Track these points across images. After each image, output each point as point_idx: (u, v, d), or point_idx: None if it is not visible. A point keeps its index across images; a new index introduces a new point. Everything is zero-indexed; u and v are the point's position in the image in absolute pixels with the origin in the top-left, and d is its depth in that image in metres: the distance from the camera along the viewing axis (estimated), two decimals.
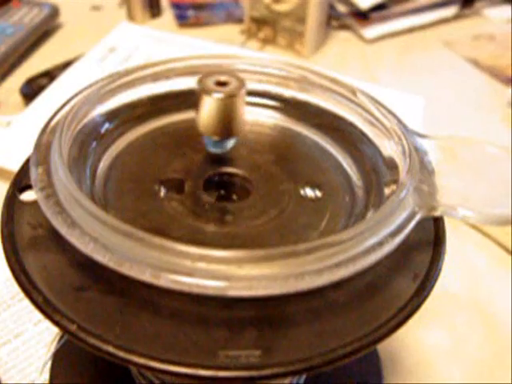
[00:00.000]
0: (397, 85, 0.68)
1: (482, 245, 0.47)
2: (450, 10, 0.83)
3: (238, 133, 0.28)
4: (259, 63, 0.31)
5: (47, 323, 0.21)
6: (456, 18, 0.84)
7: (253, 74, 0.31)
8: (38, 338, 0.37)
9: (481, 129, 0.62)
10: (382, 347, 0.38)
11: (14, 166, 0.28)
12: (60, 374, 0.34)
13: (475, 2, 0.86)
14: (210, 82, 0.27)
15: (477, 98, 0.68)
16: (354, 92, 0.30)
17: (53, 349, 0.35)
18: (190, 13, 0.79)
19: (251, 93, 0.31)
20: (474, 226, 0.48)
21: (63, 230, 0.21)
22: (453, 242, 0.47)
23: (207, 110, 0.27)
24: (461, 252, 0.47)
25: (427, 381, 0.37)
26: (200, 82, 0.27)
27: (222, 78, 0.27)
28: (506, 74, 0.72)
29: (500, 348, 0.39)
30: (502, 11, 0.87)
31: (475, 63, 0.74)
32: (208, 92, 0.26)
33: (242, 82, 0.27)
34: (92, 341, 0.20)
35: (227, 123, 0.27)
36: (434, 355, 0.39)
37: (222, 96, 0.26)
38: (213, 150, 0.29)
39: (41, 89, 0.59)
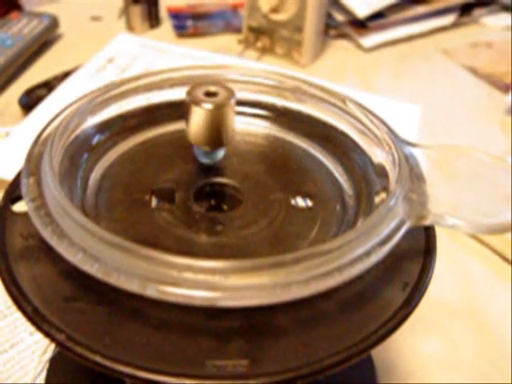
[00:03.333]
0: (395, 93, 0.68)
1: (480, 253, 0.47)
2: (448, 18, 0.84)
3: (228, 143, 0.28)
4: (250, 73, 0.32)
5: None
6: (454, 26, 0.84)
7: (244, 84, 0.32)
8: (34, 347, 0.37)
9: (479, 136, 0.62)
10: (378, 355, 0.37)
11: (12, 177, 0.28)
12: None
13: (473, 10, 0.86)
14: (200, 93, 0.27)
15: (475, 106, 0.68)
16: (343, 101, 0.30)
17: (46, 358, 0.35)
18: (189, 23, 0.80)
19: (243, 103, 0.31)
20: (471, 235, 0.48)
21: (52, 241, 0.22)
22: (450, 250, 0.47)
23: (197, 121, 0.27)
24: (458, 260, 0.47)
25: None
26: (189, 92, 0.27)
27: (212, 89, 0.27)
28: (503, 81, 0.72)
29: (496, 357, 0.39)
30: (500, 19, 0.87)
31: (473, 71, 0.74)
32: (197, 103, 0.27)
33: (231, 92, 0.27)
34: (80, 350, 0.20)
35: (217, 133, 0.27)
36: (430, 364, 0.38)
37: (212, 106, 0.27)
38: (204, 160, 0.29)
39: (39, 99, 0.60)
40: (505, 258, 0.46)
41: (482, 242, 0.48)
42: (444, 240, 0.47)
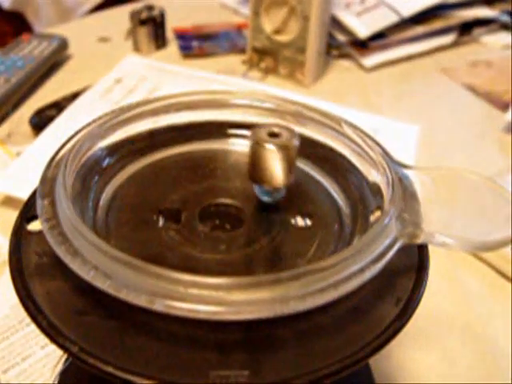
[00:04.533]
0: (395, 112, 0.70)
1: (477, 269, 0.48)
2: (448, 38, 0.85)
3: (288, 182, 0.29)
4: (252, 98, 0.33)
5: (53, 346, 0.23)
6: (454, 45, 0.86)
7: (247, 108, 0.33)
8: (44, 360, 0.38)
9: (478, 154, 0.64)
10: (377, 369, 0.38)
11: (24, 195, 0.29)
12: None
13: (473, 30, 0.88)
14: (263, 134, 0.28)
15: (474, 124, 0.70)
16: (340, 124, 0.31)
17: (58, 370, 0.36)
18: (194, 44, 0.82)
19: (246, 126, 0.33)
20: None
21: (66, 259, 0.23)
22: (448, 265, 0.48)
23: (260, 161, 0.28)
24: (456, 276, 0.48)
25: None
26: (253, 133, 0.28)
27: (275, 130, 0.28)
28: (503, 99, 0.73)
29: (491, 369, 0.40)
30: (499, 37, 0.89)
31: (472, 89, 0.76)
32: (261, 143, 0.28)
33: (293, 134, 0.28)
34: (93, 362, 0.21)
35: (279, 173, 0.28)
36: (428, 376, 0.40)
37: (275, 147, 0.27)
38: (264, 198, 0.30)
39: (50, 119, 0.61)
40: (501, 273, 0.48)
41: (479, 258, 0.49)
42: (442, 255, 0.49)
